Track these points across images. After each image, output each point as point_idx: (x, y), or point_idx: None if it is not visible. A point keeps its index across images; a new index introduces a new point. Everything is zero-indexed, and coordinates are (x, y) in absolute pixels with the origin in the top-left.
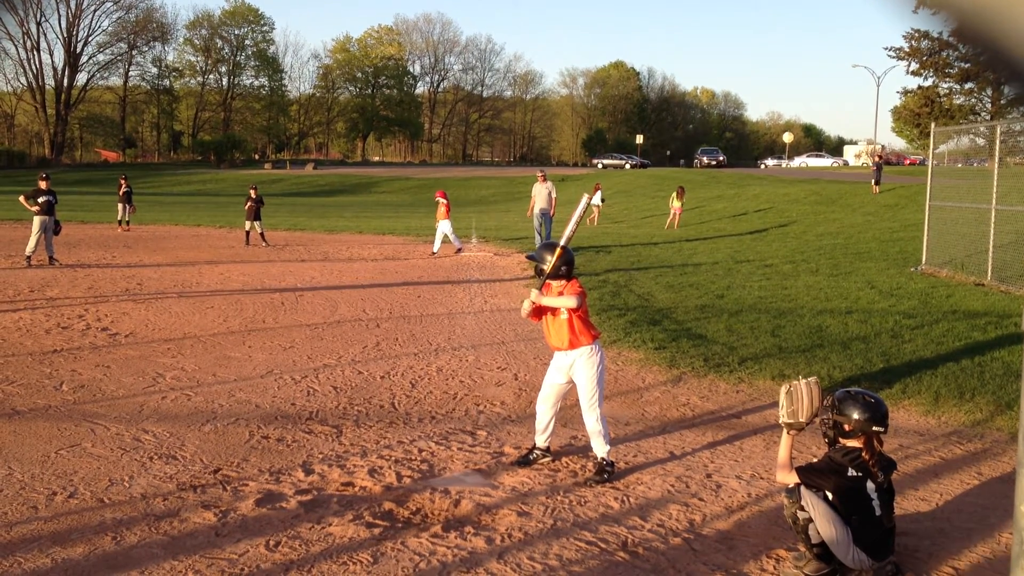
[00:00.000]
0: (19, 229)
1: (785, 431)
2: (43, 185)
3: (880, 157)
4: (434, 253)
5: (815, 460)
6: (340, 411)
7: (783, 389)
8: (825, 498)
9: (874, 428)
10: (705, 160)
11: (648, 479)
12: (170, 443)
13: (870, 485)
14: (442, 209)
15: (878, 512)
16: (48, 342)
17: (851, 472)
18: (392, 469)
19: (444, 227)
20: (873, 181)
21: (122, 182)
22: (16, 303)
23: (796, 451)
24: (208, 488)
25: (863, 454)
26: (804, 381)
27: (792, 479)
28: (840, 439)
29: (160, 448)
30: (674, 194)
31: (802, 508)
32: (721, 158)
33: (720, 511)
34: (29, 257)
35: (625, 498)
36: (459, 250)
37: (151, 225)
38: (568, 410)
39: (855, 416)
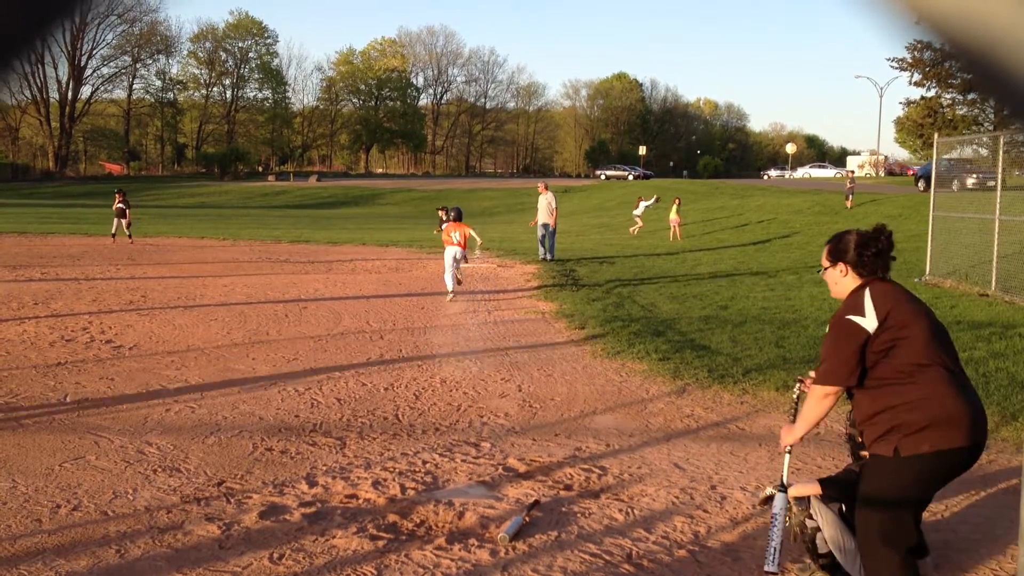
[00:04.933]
0: (23, 242)
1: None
2: None
3: (853, 183)
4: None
5: (836, 472)
6: (344, 423)
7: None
8: (838, 508)
9: None
10: (921, 187)
11: (652, 491)
12: (174, 455)
13: None
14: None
15: None
16: (52, 354)
17: None
18: (396, 481)
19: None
20: (844, 196)
21: (117, 196)
22: (20, 315)
23: (801, 462)
24: (212, 500)
25: None
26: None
27: (812, 490)
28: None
29: (164, 460)
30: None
31: (810, 516)
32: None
33: (725, 523)
34: None
35: (629, 510)
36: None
37: (155, 238)
38: (572, 422)
39: None
